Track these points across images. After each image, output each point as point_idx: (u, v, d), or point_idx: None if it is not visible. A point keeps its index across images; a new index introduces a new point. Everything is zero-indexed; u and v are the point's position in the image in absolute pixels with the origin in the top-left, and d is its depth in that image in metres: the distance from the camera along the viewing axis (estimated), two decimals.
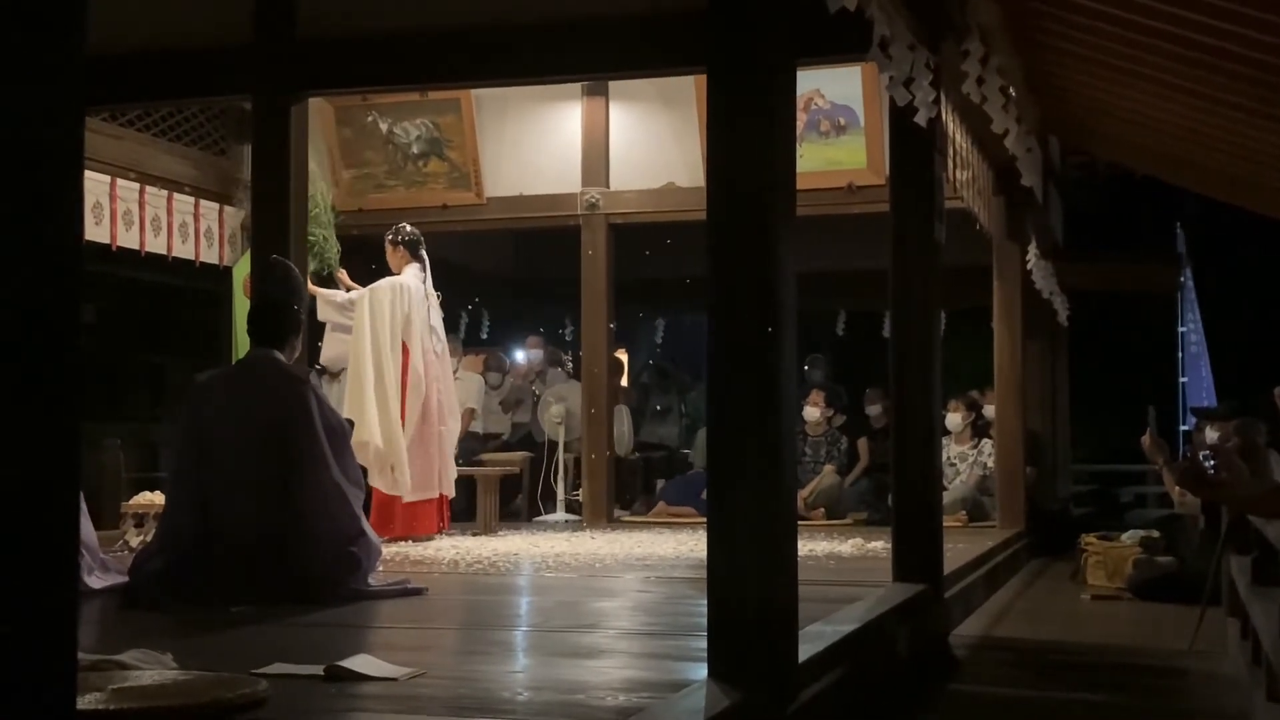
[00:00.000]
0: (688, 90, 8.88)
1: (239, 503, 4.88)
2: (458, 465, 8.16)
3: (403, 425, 7.52)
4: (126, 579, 4.97)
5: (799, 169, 3.73)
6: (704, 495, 3.88)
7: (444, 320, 8.17)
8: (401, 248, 7.87)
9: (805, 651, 3.60)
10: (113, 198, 8.04)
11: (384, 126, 9.69)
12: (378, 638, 4.34)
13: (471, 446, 9.76)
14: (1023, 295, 10.02)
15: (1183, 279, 15.88)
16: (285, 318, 5.27)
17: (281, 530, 4.86)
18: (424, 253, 7.91)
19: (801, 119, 8.75)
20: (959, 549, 7.27)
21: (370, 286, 7.74)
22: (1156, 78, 7.08)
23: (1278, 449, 7.36)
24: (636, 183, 9.55)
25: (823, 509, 9.72)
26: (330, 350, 8.34)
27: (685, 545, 7.28)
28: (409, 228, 7.97)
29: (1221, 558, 6.50)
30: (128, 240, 8.18)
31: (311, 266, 7.82)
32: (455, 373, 10.20)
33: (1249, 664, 5.12)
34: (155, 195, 8.39)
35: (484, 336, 13.42)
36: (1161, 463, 7.18)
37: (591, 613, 4.80)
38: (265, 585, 4.74)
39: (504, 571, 6.14)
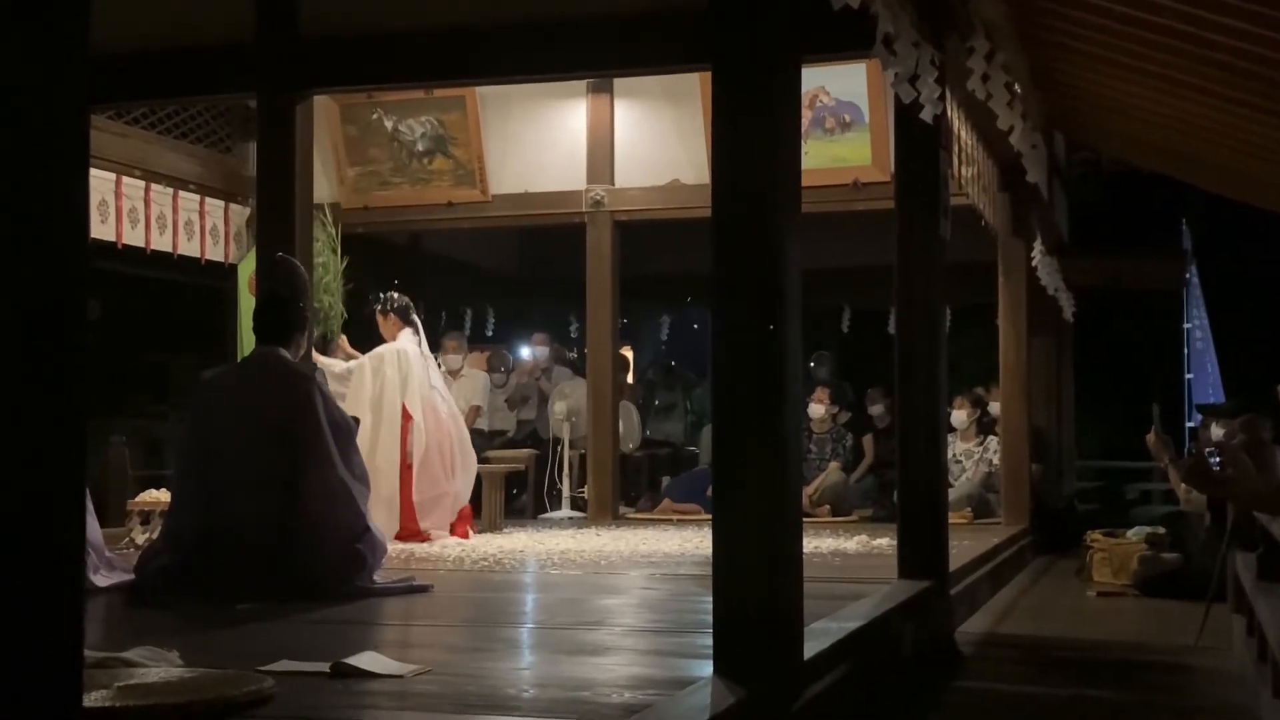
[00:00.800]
0: (693, 87, 8.85)
1: (244, 500, 4.89)
2: None
3: (412, 485, 7.49)
4: (132, 577, 4.98)
5: (804, 166, 3.72)
6: (709, 492, 3.88)
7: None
8: (393, 315, 7.82)
9: (810, 648, 3.60)
10: (118, 195, 8.05)
11: (389, 124, 9.69)
12: (383, 635, 4.35)
13: (477, 444, 9.74)
14: (1028, 292, 10.01)
15: (1188, 275, 15.85)
16: (290, 315, 5.28)
17: (287, 527, 4.87)
18: (415, 317, 7.87)
19: (806, 116, 8.74)
20: (964, 546, 7.27)
21: (369, 354, 7.73)
22: (1162, 74, 7.06)
23: None
24: (641, 180, 9.54)
25: (828, 506, 9.72)
26: None
27: (690, 542, 7.28)
28: (396, 295, 7.92)
29: (1227, 554, 6.50)
30: (133, 238, 8.18)
31: (316, 331, 7.77)
32: (460, 371, 10.23)
33: (1254, 660, 5.12)
34: (161, 193, 8.39)
35: (489, 334, 13.42)
36: (1167, 459, 7.16)
37: (597, 610, 4.81)
38: (271, 582, 4.74)
39: (509, 568, 6.14)
